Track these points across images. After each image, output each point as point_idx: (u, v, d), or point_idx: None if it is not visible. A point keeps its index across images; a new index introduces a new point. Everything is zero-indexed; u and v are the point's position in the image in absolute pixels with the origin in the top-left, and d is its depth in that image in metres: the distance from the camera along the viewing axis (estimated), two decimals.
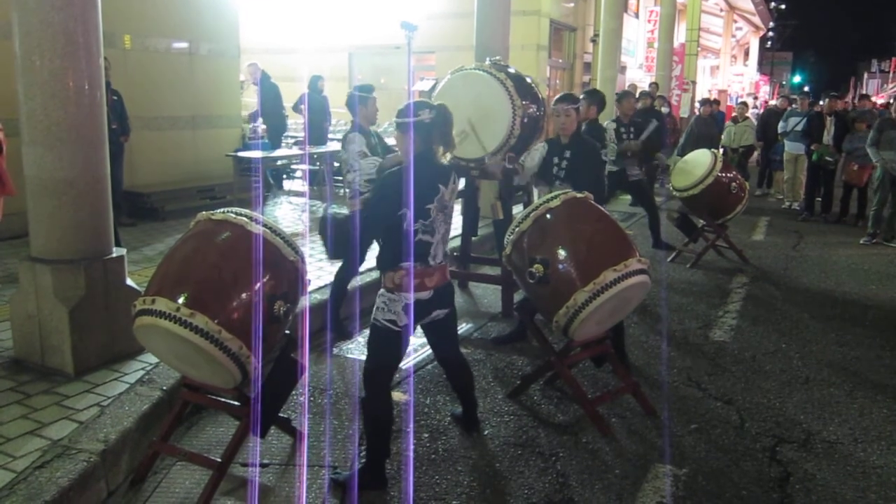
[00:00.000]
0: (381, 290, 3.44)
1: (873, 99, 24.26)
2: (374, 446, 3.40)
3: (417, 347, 5.04)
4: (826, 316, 6.27)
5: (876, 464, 3.79)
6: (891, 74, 58.54)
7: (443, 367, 4.01)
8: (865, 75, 69.83)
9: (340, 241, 3.57)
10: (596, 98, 6.25)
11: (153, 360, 4.20)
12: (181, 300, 2.97)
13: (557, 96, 5.12)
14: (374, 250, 3.66)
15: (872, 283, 7.41)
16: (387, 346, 3.42)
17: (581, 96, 5.24)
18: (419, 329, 3.66)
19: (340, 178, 7.70)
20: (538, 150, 5.19)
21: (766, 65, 57.12)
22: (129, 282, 4.45)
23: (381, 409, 3.41)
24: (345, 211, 3.69)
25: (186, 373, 3.39)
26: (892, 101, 18.03)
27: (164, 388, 3.95)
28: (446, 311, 3.59)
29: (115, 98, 7.90)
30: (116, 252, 4.40)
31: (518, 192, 6.22)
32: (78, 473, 3.09)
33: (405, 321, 3.38)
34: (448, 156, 3.54)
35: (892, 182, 9.08)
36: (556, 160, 5.02)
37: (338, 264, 5.40)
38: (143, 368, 4.18)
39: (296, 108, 11.52)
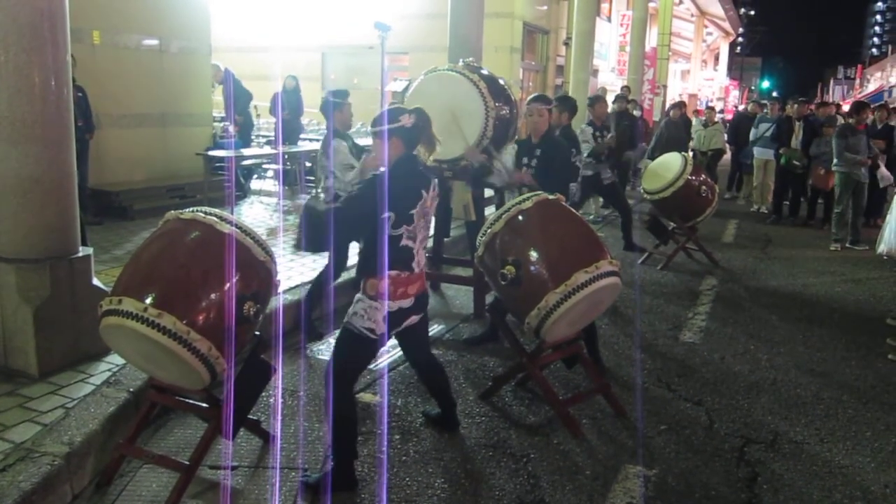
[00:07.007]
0: (360, 296, 3.37)
1: (838, 103, 24.69)
2: (342, 447, 3.36)
3: (390, 348, 4.99)
4: (793, 318, 6.36)
5: (841, 464, 3.85)
6: (857, 81, 59.72)
7: (416, 369, 4.00)
8: (832, 81, 71.16)
9: (313, 234, 3.44)
10: (568, 104, 6.28)
11: (120, 361, 4.13)
12: (148, 300, 2.92)
13: (531, 96, 5.15)
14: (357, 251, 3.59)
15: (838, 286, 7.53)
16: (360, 351, 3.40)
17: (553, 103, 5.28)
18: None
19: (313, 178, 7.67)
20: (509, 153, 5.21)
21: (736, 70, 57.94)
22: (95, 282, 4.38)
23: (347, 409, 3.38)
24: (322, 206, 3.57)
25: (154, 374, 3.34)
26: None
27: (131, 389, 3.88)
28: (420, 316, 3.58)
29: (80, 95, 7.76)
30: (83, 251, 4.32)
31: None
32: (41, 477, 3.02)
33: (383, 329, 3.35)
34: (430, 157, 3.51)
35: (855, 187, 9.22)
36: (525, 160, 5.05)
37: (318, 263, 5.32)
38: (109, 370, 4.11)
39: (273, 111, 11.38)
